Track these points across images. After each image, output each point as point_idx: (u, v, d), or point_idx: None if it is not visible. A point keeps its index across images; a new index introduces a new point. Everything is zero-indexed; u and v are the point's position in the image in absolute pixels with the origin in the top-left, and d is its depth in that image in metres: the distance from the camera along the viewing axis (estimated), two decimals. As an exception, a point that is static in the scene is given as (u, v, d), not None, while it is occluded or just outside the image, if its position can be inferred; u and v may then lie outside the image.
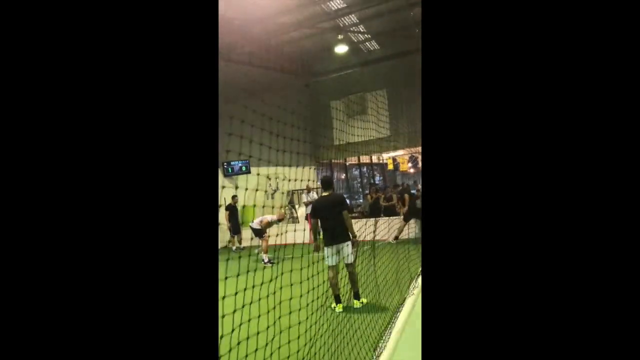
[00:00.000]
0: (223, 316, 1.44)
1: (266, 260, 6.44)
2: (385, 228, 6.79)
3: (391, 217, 8.13)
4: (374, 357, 1.80)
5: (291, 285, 2.00)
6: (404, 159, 13.52)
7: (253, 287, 1.69)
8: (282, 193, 9.65)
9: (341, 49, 9.48)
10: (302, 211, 9.43)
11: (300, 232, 7.85)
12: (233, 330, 1.53)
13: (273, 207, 6.94)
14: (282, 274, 1.99)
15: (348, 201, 12.86)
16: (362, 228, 4.03)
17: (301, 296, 2.09)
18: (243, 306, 1.61)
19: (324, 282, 3.49)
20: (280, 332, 1.77)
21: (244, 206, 8.62)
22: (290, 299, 1.98)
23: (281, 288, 1.93)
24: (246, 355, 1.62)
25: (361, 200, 10.82)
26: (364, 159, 13.31)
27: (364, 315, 2.87)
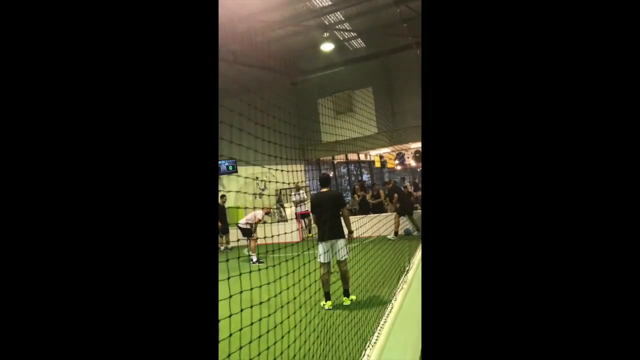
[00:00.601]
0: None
1: (255, 260, 6.39)
2: (376, 225, 6.82)
3: (380, 215, 8.18)
4: (364, 354, 1.80)
5: (280, 279, 1.97)
6: (391, 156, 13.61)
7: (251, 289, 1.66)
8: (269, 195, 9.59)
9: (327, 46, 9.47)
10: (290, 211, 9.40)
11: (289, 232, 7.81)
12: (231, 334, 1.49)
13: (262, 208, 6.89)
14: (279, 278, 1.96)
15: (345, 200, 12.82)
16: (354, 225, 4.03)
17: (295, 298, 2.07)
18: (242, 310, 1.57)
19: (315, 281, 3.47)
20: (267, 332, 1.75)
21: (228, 207, 8.54)
22: (277, 293, 1.96)
23: (278, 293, 1.91)
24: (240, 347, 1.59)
25: (349, 198, 10.86)
26: (352, 156, 13.35)
27: (354, 312, 2.87)
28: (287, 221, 9.21)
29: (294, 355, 1.98)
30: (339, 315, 2.70)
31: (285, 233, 3.42)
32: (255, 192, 8.10)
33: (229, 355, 1.61)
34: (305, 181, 11.08)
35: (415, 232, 7.71)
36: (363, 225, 4.74)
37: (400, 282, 3.01)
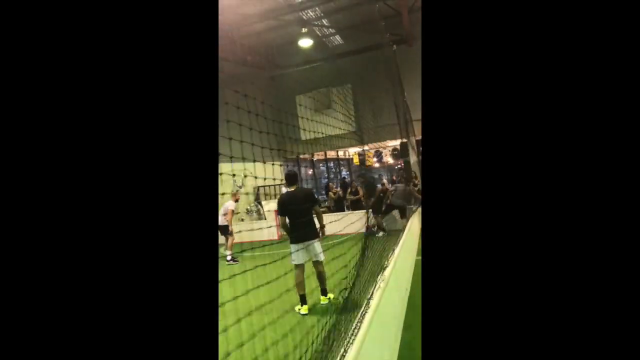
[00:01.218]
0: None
1: (229, 259, 6.19)
2: (354, 223, 6.69)
3: (358, 211, 8.16)
4: (341, 355, 1.75)
5: (258, 287, 1.89)
6: (369, 153, 13.71)
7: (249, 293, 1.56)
8: (247, 194, 9.41)
9: (305, 42, 9.38)
10: (269, 206, 9.28)
11: (267, 229, 7.71)
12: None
13: (232, 197, 6.53)
14: (257, 287, 1.87)
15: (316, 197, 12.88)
16: (332, 222, 3.93)
17: (271, 301, 2.00)
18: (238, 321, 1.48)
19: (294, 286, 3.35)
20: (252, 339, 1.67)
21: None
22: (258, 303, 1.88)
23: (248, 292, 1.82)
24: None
25: (324, 197, 10.85)
26: (331, 154, 13.34)
27: (330, 313, 2.82)
28: (265, 219, 9.09)
29: None
30: (316, 319, 2.62)
31: (261, 228, 3.27)
32: (233, 190, 7.91)
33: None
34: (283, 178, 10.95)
35: (380, 234, 7.54)
36: (338, 221, 4.65)
37: (377, 280, 2.99)
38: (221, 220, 6.30)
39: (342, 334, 2.05)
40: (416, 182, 9.03)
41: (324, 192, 12.89)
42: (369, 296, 2.58)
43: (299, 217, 3.54)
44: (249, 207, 9.65)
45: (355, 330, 1.92)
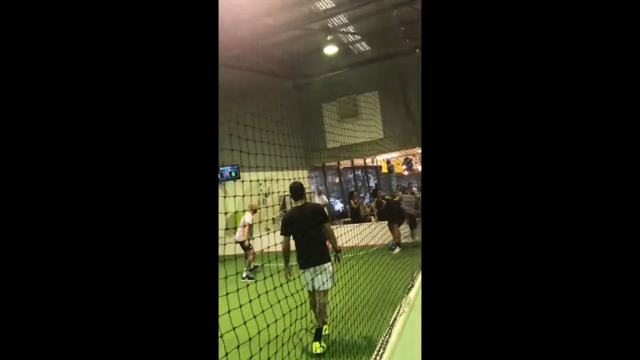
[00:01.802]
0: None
1: (244, 275, 5.85)
2: (370, 234, 6.31)
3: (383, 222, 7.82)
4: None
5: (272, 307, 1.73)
6: (398, 160, 13.37)
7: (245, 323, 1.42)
8: (273, 206, 9.33)
9: (331, 50, 9.28)
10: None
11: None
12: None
13: (249, 208, 6.39)
14: (271, 307, 1.71)
15: (342, 205, 12.64)
16: (350, 234, 3.61)
17: (284, 330, 1.82)
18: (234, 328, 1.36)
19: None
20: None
21: (235, 212, 8.31)
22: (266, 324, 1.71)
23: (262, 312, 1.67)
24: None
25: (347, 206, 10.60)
26: (358, 161, 13.11)
27: (346, 340, 2.53)
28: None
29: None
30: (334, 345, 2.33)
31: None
32: (260, 194, 7.77)
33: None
34: (311, 187, 10.84)
35: (396, 250, 6.86)
36: (358, 235, 4.28)
37: (401, 303, 2.70)
38: (239, 235, 6.13)
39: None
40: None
41: (340, 200, 12.61)
42: (390, 321, 2.31)
43: (305, 237, 3.07)
44: (275, 216, 9.58)
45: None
